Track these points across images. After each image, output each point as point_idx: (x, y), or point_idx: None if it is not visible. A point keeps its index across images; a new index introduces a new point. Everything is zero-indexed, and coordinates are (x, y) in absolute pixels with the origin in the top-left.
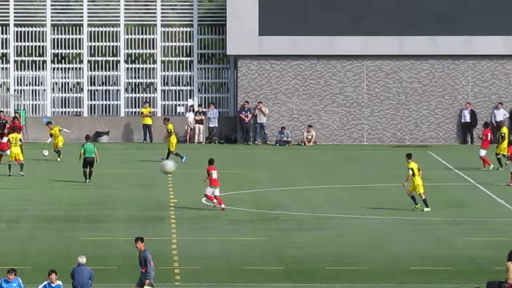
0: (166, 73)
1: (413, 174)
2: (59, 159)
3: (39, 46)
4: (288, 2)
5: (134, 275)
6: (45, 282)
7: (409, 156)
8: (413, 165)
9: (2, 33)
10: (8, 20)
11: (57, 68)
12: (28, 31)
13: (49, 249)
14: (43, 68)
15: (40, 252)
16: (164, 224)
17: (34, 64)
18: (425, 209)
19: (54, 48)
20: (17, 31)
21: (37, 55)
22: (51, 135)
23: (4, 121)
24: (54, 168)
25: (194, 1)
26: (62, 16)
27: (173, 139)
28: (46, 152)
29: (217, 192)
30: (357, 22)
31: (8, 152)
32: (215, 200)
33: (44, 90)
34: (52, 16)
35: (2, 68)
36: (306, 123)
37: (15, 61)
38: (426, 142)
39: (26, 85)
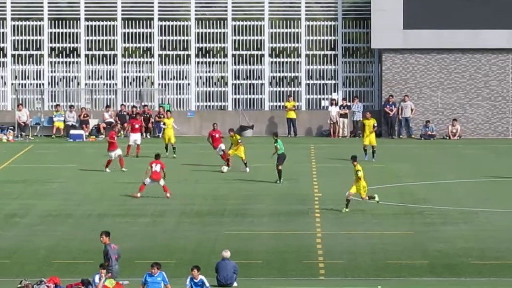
0: (311, 67)
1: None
2: (174, 155)
3: (183, 40)
4: None
5: (279, 269)
6: (189, 277)
7: (354, 158)
8: (360, 167)
9: (147, 28)
10: (152, 15)
11: (202, 62)
12: (172, 25)
13: (193, 243)
14: (187, 62)
15: (185, 246)
16: (308, 218)
17: (178, 58)
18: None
19: (198, 42)
20: (161, 25)
21: (182, 49)
22: (164, 124)
23: (148, 115)
24: (198, 162)
25: None
26: (206, 10)
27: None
28: (225, 169)
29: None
30: (503, 15)
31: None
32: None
33: (189, 84)
34: (196, 10)
35: (147, 62)
36: (450, 117)
37: (159, 55)
38: None
39: (171, 79)
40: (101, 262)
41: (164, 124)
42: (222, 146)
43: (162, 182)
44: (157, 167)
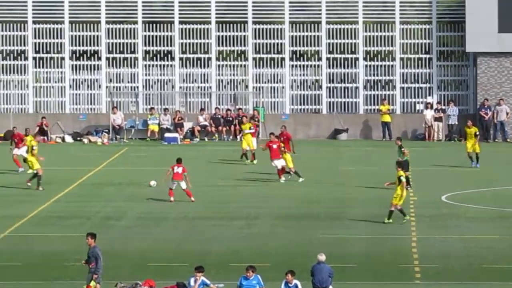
0: (405, 70)
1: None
2: (255, 162)
3: (277, 44)
4: None
5: (374, 273)
6: (284, 281)
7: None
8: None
9: (241, 31)
10: (246, 18)
11: (296, 66)
12: (266, 29)
13: (288, 247)
14: (281, 66)
15: (279, 249)
16: (403, 221)
17: (272, 61)
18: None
19: (292, 46)
20: (255, 29)
21: (276, 52)
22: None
23: (241, 118)
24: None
25: None
26: (301, 13)
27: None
28: (153, 183)
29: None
30: None
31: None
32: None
33: (283, 87)
34: (290, 14)
35: (241, 66)
36: None
37: (254, 58)
38: None
39: (265, 83)
40: (197, 265)
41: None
42: (279, 162)
43: (184, 185)
44: (178, 169)
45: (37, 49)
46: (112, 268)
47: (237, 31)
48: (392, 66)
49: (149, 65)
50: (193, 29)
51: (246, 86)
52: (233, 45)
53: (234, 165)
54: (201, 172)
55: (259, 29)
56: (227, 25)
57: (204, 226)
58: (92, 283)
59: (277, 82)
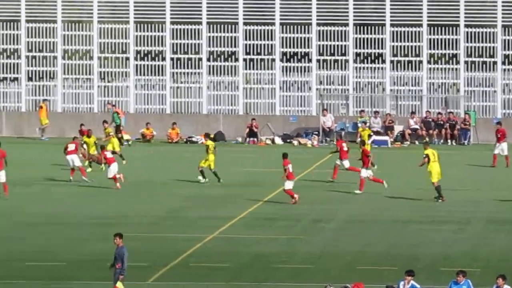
0: None
1: (428, 160)
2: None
3: (489, 47)
4: None
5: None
6: (495, 286)
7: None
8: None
9: (452, 34)
10: (459, 21)
11: (508, 69)
12: (478, 32)
13: (499, 251)
14: (493, 69)
15: (490, 254)
16: None
17: (484, 65)
18: None
19: (505, 49)
20: (467, 32)
21: (488, 56)
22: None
23: (454, 122)
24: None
25: None
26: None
27: None
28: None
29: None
30: None
31: None
32: (295, 195)
33: (495, 91)
34: (503, 17)
35: (452, 69)
36: None
37: (465, 62)
38: None
39: (476, 86)
40: (407, 269)
41: (361, 137)
42: (346, 163)
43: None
44: (289, 167)
45: (247, 50)
46: (321, 270)
47: (449, 34)
48: None
49: (359, 68)
50: (403, 32)
51: (458, 90)
52: (444, 49)
53: (447, 168)
54: (412, 175)
55: (471, 32)
56: (439, 28)
57: (415, 229)
58: (119, 284)
59: (488, 86)
